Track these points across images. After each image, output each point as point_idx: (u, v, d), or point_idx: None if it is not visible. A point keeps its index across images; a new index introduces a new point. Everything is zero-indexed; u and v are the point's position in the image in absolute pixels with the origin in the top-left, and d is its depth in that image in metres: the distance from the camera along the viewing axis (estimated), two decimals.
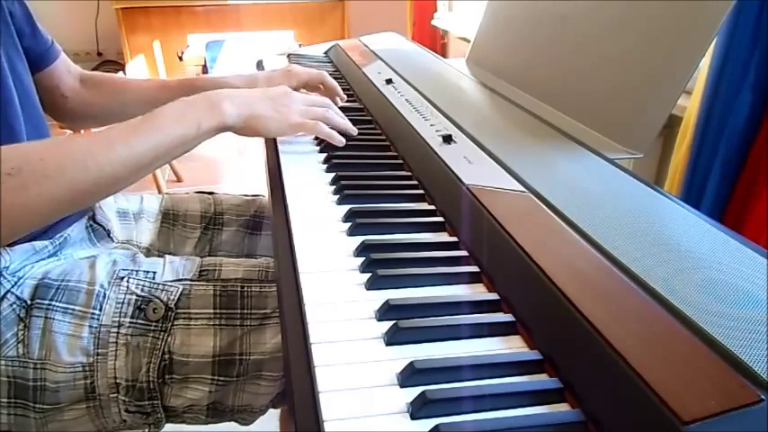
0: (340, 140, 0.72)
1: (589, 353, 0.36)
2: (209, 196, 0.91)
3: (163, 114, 0.61)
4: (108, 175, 0.55)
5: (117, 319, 0.61)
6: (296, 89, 0.89)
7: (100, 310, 0.61)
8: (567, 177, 0.58)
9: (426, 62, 1.13)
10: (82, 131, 2.07)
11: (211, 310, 0.63)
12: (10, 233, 0.52)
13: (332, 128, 0.73)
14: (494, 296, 0.46)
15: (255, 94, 0.69)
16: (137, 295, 0.63)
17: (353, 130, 0.76)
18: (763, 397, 0.30)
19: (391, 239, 0.54)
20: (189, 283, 0.65)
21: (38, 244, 0.66)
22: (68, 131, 1.59)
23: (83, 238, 0.75)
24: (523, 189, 0.55)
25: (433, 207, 0.61)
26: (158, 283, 0.64)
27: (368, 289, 0.47)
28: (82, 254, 0.72)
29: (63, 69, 0.81)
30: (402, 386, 0.37)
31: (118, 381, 0.60)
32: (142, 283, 0.64)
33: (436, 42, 2.59)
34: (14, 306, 0.60)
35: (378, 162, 0.72)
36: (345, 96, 0.94)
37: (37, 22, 0.75)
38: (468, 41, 1.22)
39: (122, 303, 0.62)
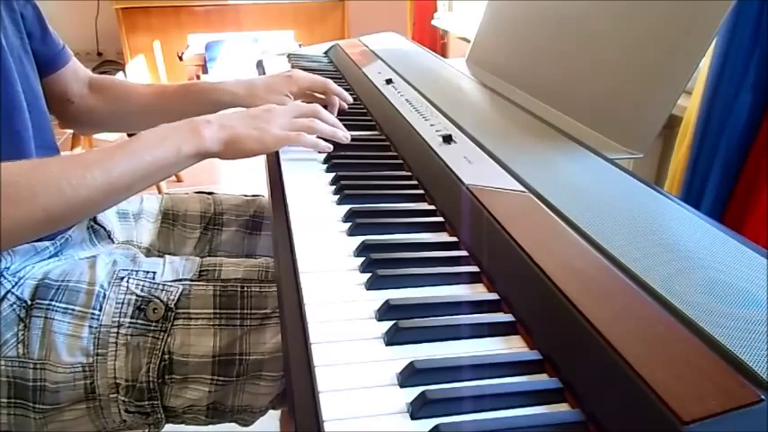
0: (326, 146, 0.70)
1: (589, 353, 0.36)
2: (209, 196, 0.91)
3: (143, 138, 0.60)
4: (84, 199, 0.54)
5: (117, 319, 0.61)
6: (296, 95, 0.88)
7: (100, 310, 0.61)
8: (567, 177, 0.58)
9: (426, 62, 1.13)
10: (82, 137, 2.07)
11: (211, 310, 0.63)
12: None
13: (320, 135, 0.71)
14: (494, 296, 0.46)
15: (236, 116, 0.67)
16: (136, 295, 0.63)
17: (344, 138, 0.73)
18: (762, 397, 0.30)
19: (391, 239, 0.54)
20: (189, 283, 0.65)
21: (39, 245, 0.66)
22: (68, 131, 1.59)
23: (84, 238, 0.75)
24: (523, 189, 0.55)
25: (433, 207, 0.61)
26: (158, 284, 0.64)
27: (368, 289, 0.47)
28: (83, 254, 0.72)
29: (71, 74, 0.81)
30: (402, 386, 0.37)
31: (118, 381, 0.60)
32: (142, 283, 0.64)
33: (436, 42, 2.59)
34: (15, 306, 0.60)
35: (378, 162, 0.72)
36: (351, 99, 0.93)
37: (48, 25, 0.75)
38: (468, 41, 1.22)
39: (122, 303, 0.62)
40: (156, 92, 0.88)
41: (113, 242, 0.79)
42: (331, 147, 0.71)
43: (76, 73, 0.82)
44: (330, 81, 0.88)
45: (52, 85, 0.77)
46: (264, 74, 1.17)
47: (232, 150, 0.64)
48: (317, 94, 0.91)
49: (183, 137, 0.61)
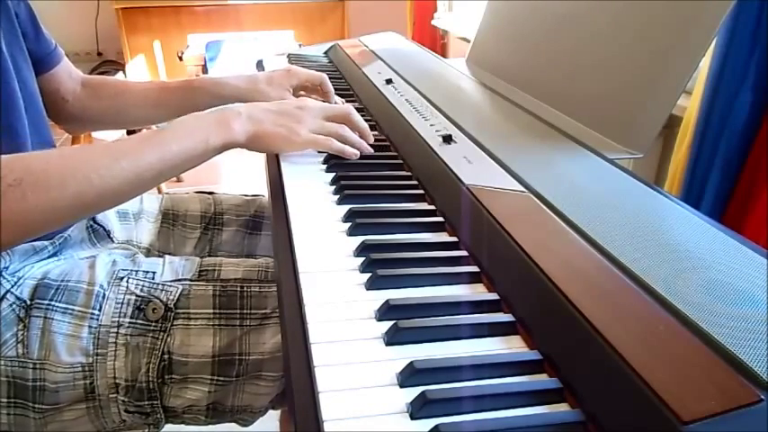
0: (353, 153, 0.69)
1: (589, 353, 0.36)
2: (209, 196, 0.91)
3: (171, 129, 0.60)
4: (112, 188, 0.54)
5: (116, 319, 0.61)
6: (296, 89, 0.89)
7: (99, 310, 0.61)
8: (567, 177, 0.58)
9: (426, 62, 1.13)
10: (81, 136, 2.07)
11: (211, 310, 0.63)
12: (10, 241, 0.51)
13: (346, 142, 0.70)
14: (494, 296, 0.46)
15: (268, 108, 0.67)
16: (136, 295, 0.63)
17: (368, 148, 0.72)
18: (762, 397, 0.30)
19: (391, 239, 0.54)
20: (188, 283, 0.65)
21: (38, 244, 0.66)
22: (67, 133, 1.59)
23: (83, 238, 0.75)
24: (523, 189, 0.55)
25: (433, 207, 0.61)
26: (158, 284, 0.64)
27: (368, 289, 0.47)
28: (82, 254, 0.72)
29: (65, 73, 0.81)
30: (402, 386, 0.37)
31: (117, 381, 0.60)
32: (141, 283, 0.64)
33: (436, 42, 2.59)
34: (14, 306, 0.60)
35: (378, 162, 0.72)
36: (343, 100, 0.93)
37: (41, 24, 0.75)
38: (469, 41, 1.22)
39: (122, 303, 0.62)
40: (157, 87, 0.88)
41: (113, 242, 0.79)
42: (358, 153, 0.70)
43: (69, 72, 0.83)
44: (325, 77, 0.91)
45: (46, 84, 0.77)
46: None
47: (258, 145, 0.65)
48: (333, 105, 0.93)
49: (211, 128, 0.61)
